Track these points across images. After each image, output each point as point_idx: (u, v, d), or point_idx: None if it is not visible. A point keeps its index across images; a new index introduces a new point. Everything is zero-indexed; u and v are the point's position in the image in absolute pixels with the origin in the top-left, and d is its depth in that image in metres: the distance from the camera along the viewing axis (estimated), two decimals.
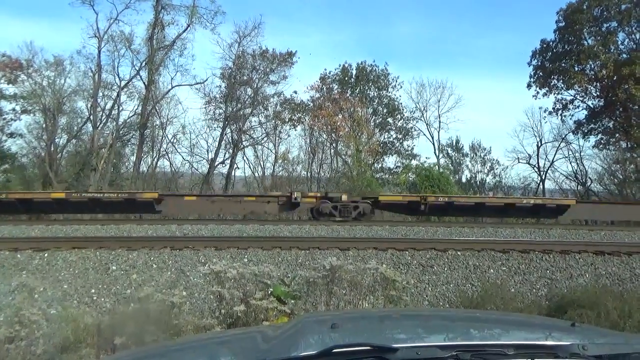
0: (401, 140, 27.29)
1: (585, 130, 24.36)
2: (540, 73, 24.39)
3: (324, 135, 24.35)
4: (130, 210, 13.67)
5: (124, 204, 13.07)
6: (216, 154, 23.48)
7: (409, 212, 14.03)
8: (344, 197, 12.89)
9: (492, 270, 7.57)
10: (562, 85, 23.96)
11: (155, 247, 7.98)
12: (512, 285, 7.18)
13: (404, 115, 27.20)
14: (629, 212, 14.49)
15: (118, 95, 22.55)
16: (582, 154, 24.92)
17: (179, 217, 13.75)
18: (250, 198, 13.88)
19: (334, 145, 24.41)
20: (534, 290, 7.09)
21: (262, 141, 24.56)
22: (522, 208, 13.79)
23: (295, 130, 25.17)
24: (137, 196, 13.09)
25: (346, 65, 26.90)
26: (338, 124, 23.56)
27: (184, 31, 22.74)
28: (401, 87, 27.11)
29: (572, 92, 24.14)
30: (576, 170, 24.90)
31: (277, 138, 24.65)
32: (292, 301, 4.92)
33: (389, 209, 14.22)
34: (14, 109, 22.36)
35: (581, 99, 24.36)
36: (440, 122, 26.89)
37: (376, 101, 27.34)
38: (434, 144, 27.01)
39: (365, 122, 25.05)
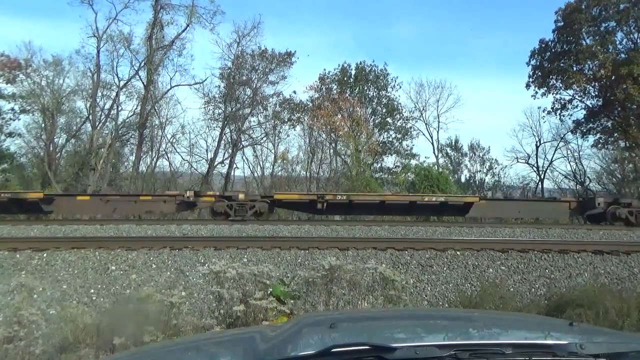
0: (400, 140, 27.35)
1: (584, 130, 24.42)
2: (539, 73, 24.42)
3: (323, 135, 24.39)
4: (17, 211, 13.08)
5: (7, 204, 12.49)
6: (215, 154, 23.51)
7: (308, 210, 13.65)
8: (241, 196, 12.68)
9: (491, 270, 7.58)
10: (561, 85, 24.01)
11: (155, 247, 7.97)
12: (511, 284, 7.19)
13: (403, 115, 27.28)
14: (531, 209, 14.52)
15: (117, 95, 22.56)
16: (580, 153, 25.03)
17: (72, 218, 13.19)
18: (146, 197, 13.55)
19: (333, 145, 24.43)
20: (533, 289, 7.10)
21: (262, 141, 24.61)
22: (428, 206, 13.45)
23: (295, 130, 25.23)
24: (21, 196, 12.70)
25: (345, 65, 26.97)
26: (337, 123, 23.58)
27: (183, 31, 22.77)
28: (400, 87, 27.20)
29: (570, 91, 24.20)
30: (575, 170, 24.99)
31: (276, 138, 24.71)
32: (292, 301, 4.93)
33: (287, 207, 14.00)
34: (12, 109, 22.43)
35: (580, 98, 24.43)
36: (439, 121, 26.96)
37: (375, 101, 27.39)
38: (433, 144, 27.08)
39: (365, 122, 25.08)
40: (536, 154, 25.75)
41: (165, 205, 13.06)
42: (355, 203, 13.30)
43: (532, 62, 24.74)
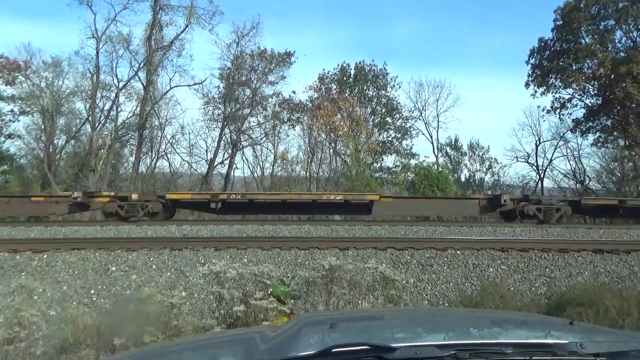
0: (400, 140, 27.36)
1: (584, 129, 24.44)
2: (538, 72, 24.44)
3: (323, 135, 24.39)
4: None
5: None
6: (215, 154, 23.53)
7: (204, 210, 13.23)
8: (134, 197, 12.26)
9: (491, 269, 7.58)
10: (560, 84, 24.03)
11: (155, 248, 7.97)
12: (512, 283, 7.19)
13: (402, 114, 27.28)
14: (441, 207, 14.34)
15: (116, 96, 22.58)
16: (580, 152, 25.06)
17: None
18: (38, 198, 12.97)
19: (332, 145, 24.43)
20: (533, 288, 7.10)
21: (261, 141, 24.61)
22: (330, 204, 13.13)
23: (294, 130, 25.25)
24: None
25: (344, 65, 26.98)
26: (337, 123, 23.59)
27: (182, 32, 22.80)
28: (400, 86, 27.21)
29: (570, 90, 24.24)
30: (574, 169, 25.01)
31: (275, 138, 24.71)
32: (292, 301, 4.93)
33: (182, 207, 13.59)
34: (12, 111, 22.41)
35: (579, 97, 24.46)
36: (438, 121, 26.98)
37: (375, 101, 27.39)
38: (432, 143, 27.09)
39: (364, 121, 25.08)
40: (536, 153, 25.80)
41: (57, 206, 12.53)
42: (256, 202, 12.94)
43: (532, 61, 24.79)
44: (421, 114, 27.14)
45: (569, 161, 25.38)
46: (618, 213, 13.39)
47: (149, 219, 11.98)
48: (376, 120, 27.16)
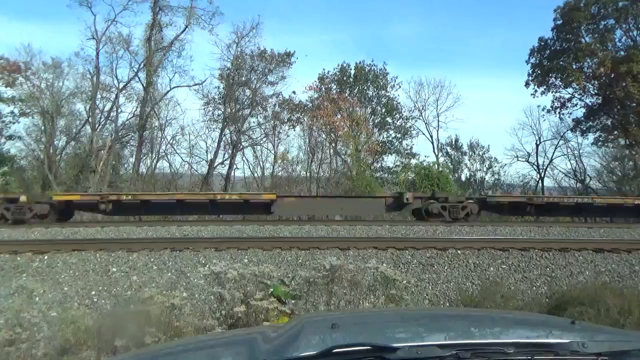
0: (400, 140, 27.34)
1: (584, 128, 24.44)
2: (538, 71, 24.44)
3: (323, 135, 24.38)
4: None
5: None
6: (215, 155, 23.51)
7: (95, 211, 12.78)
8: (22, 199, 11.74)
9: (492, 269, 7.58)
10: (560, 83, 24.03)
11: (156, 249, 7.97)
12: (512, 283, 7.19)
13: (402, 114, 27.26)
14: (345, 206, 14.01)
15: (116, 97, 22.55)
16: (580, 151, 25.04)
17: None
18: None
19: (333, 145, 24.42)
20: (534, 288, 7.10)
21: (261, 142, 24.60)
22: (229, 204, 12.91)
23: (294, 130, 25.20)
24: None
25: (344, 65, 26.95)
26: (337, 123, 23.57)
27: (182, 32, 22.77)
28: (400, 86, 27.16)
29: (570, 90, 24.23)
30: (575, 168, 25.00)
31: (276, 138, 24.69)
32: (293, 301, 4.93)
33: (73, 208, 12.93)
34: (12, 112, 22.43)
35: (579, 96, 24.45)
36: (439, 121, 26.93)
37: (375, 101, 27.37)
38: (432, 143, 27.06)
39: (364, 121, 25.07)
40: (536, 152, 25.79)
41: None
42: (151, 203, 12.59)
43: (532, 61, 24.78)
44: (421, 113, 27.15)
45: (569, 160, 25.41)
46: (526, 210, 13.29)
47: (38, 222, 11.41)
48: (376, 120, 27.15)
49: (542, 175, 25.36)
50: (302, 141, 24.70)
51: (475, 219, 12.67)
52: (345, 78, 26.83)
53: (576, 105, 24.66)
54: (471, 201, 12.77)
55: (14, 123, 22.60)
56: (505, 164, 27.07)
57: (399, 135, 27.31)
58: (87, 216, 13.33)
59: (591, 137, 24.43)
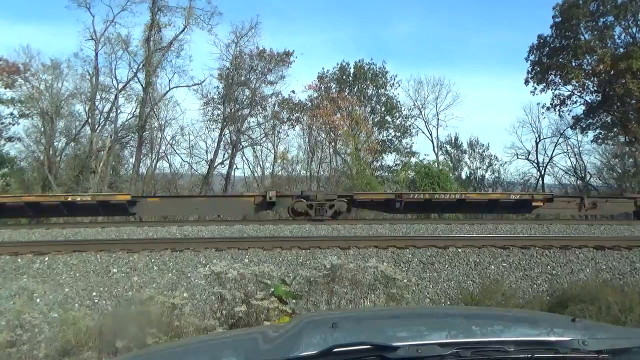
0: (400, 138, 27.32)
1: (584, 126, 24.40)
2: (538, 68, 24.39)
3: (323, 135, 24.37)
4: None
5: None
6: (215, 155, 23.49)
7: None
8: None
9: (492, 267, 7.58)
10: (560, 81, 23.98)
11: (156, 249, 7.97)
12: (513, 281, 7.19)
13: (402, 113, 27.24)
14: (211, 206, 13.74)
15: (116, 97, 22.53)
16: (580, 149, 25.02)
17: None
18: None
19: (332, 144, 24.41)
20: (535, 285, 7.10)
21: (261, 141, 24.59)
22: (83, 206, 12.49)
23: (294, 129, 25.19)
24: None
25: (344, 64, 26.94)
26: (336, 122, 23.57)
27: (180, 32, 22.70)
28: (399, 85, 27.13)
29: (569, 87, 24.18)
30: (575, 165, 24.99)
31: (275, 138, 24.68)
32: (293, 301, 4.93)
33: None
34: (12, 113, 22.43)
35: (579, 94, 24.41)
36: (438, 119, 26.89)
37: (374, 99, 27.36)
38: (432, 141, 27.03)
39: (364, 120, 25.07)
40: (536, 150, 25.76)
41: None
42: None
43: (531, 58, 24.72)
44: (421, 112, 27.11)
45: (569, 158, 25.38)
46: (395, 207, 13.29)
47: None
48: (376, 119, 27.13)
49: (542, 172, 25.38)
50: (302, 140, 24.72)
51: (346, 216, 12.88)
52: (344, 77, 26.82)
53: (576, 102, 24.65)
54: (338, 199, 12.84)
55: (13, 125, 22.63)
56: (505, 162, 27.08)
57: (398, 134, 27.30)
58: None
59: (591, 134, 24.43)
